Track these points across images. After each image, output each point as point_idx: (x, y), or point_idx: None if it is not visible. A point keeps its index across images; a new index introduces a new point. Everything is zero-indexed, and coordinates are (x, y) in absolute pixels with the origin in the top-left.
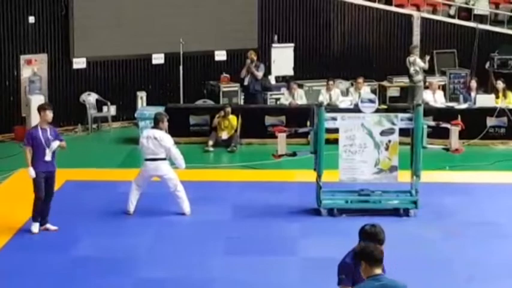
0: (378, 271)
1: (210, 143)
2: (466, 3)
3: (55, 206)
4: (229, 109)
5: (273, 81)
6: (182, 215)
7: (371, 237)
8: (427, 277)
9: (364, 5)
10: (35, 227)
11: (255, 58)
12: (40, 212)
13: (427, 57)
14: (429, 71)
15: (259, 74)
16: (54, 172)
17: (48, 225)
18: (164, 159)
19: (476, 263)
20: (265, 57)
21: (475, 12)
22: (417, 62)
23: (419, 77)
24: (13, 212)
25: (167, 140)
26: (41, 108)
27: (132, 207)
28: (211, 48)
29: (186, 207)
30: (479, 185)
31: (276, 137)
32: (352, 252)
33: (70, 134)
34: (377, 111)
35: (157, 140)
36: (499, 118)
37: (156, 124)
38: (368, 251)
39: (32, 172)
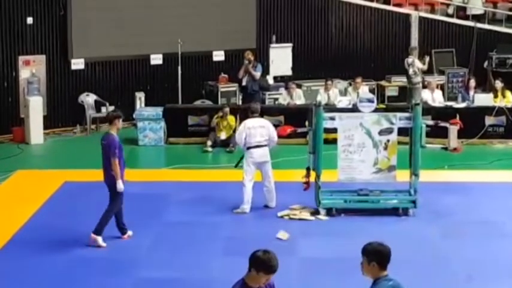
0: (386, 272)
1: (209, 143)
2: (464, 3)
3: (54, 207)
4: (227, 109)
5: (271, 81)
6: (266, 207)
7: (262, 264)
8: (426, 277)
9: (362, 4)
10: (102, 240)
11: (252, 58)
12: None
13: (427, 58)
14: (427, 71)
15: (257, 74)
16: None
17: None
18: (266, 145)
19: (475, 262)
20: (263, 58)
21: (470, 12)
22: (416, 63)
23: (418, 78)
24: (12, 213)
25: (273, 128)
26: (116, 117)
27: (249, 207)
28: (209, 49)
29: (273, 200)
30: (478, 184)
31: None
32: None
33: (69, 134)
34: (375, 110)
35: (265, 127)
36: (498, 117)
37: (255, 113)
38: (384, 253)
39: (122, 186)
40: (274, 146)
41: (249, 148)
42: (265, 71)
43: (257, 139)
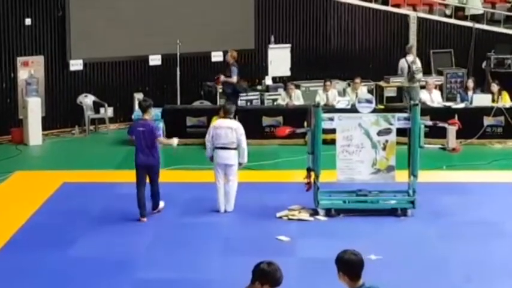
0: (361, 281)
1: None
2: (462, 3)
3: (53, 208)
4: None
5: (269, 82)
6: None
7: (268, 277)
8: (424, 277)
9: (360, 5)
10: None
11: (231, 61)
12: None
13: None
14: (425, 72)
15: (232, 78)
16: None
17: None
18: (235, 149)
19: (474, 262)
20: (262, 58)
21: (469, 12)
22: (417, 61)
23: (420, 75)
24: (11, 214)
25: (241, 131)
26: (150, 105)
27: (222, 207)
28: (208, 49)
29: (232, 205)
30: (477, 185)
31: (275, 138)
32: None
33: (67, 135)
34: (374, 111)
35: (233, 129)
36: (496, 117)
37: (228, 114)
38: (350, 264)
39: (176, 141)
40: (245, 152)
41: (215, 148)
42: (264, 71)
43: (222, 141)
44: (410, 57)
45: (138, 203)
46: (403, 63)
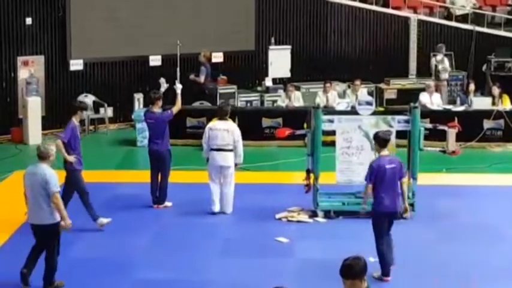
0: (366, 284)
1: None
2: (453, 3)
3: None
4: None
5: (269, 83)
6: (221, 213)
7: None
8: (423, 280)
9: (361, 7)
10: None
11: (203, 60)
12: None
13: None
14: (425, 74)
15: (200, 78)
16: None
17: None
18: (231, 150)
19: (473, 265)
20: (262, 60)
21: (455, 12)
22: (445, 61)
23: (446, 75)
24: (10, 214)
25: (238, 133)
26: (158, 98)
27: (216, 207)
28: (208, 50)
29: (230, 207)
30: (476, 188)
31: (274, 139)
32: None
33: None
34: (374, 113)
35: (229, 132)
36: (496, 120)
37: (223, 115)
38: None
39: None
40: (241, 154)
41: (211, 150)
42: (264, 73)
43: (218, 142)
44: (439, 57)
45: (151, 190)
46: (432, 62)
